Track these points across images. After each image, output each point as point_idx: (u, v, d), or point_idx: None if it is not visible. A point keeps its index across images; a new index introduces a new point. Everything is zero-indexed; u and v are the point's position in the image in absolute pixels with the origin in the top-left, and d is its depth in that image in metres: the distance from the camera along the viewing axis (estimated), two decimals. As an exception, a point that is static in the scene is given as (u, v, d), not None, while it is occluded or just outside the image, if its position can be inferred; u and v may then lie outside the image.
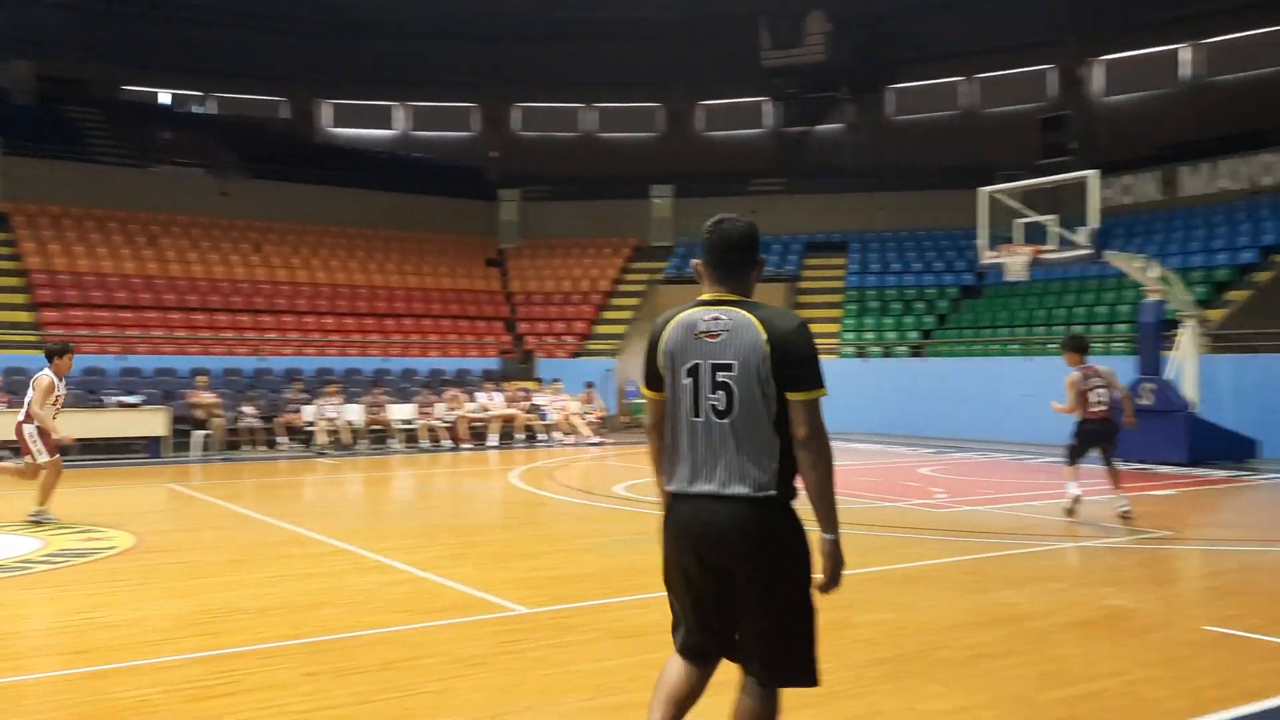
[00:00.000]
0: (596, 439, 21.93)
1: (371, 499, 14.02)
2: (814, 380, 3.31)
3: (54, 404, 10.51)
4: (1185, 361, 17.38)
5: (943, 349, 24.94)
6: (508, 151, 38.27)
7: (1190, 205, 27.52)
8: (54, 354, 10.56)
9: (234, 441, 19.72)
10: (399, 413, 21.23)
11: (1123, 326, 22.39)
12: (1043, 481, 14.50)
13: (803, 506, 3.44)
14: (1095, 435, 10.75)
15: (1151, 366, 16.90)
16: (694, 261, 3.60)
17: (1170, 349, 17.71)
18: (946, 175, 31.79)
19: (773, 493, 3.32)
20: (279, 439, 20.27)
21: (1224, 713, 4.69)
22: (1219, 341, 19.27)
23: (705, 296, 3.50)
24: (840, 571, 3.44)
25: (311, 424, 20.19)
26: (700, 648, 3.55)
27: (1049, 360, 21.95)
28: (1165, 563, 8.86)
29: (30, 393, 10.44)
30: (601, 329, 29.42)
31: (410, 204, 32.54)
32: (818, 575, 3.46)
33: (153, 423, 18.71)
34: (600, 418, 22.97)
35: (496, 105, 38.31)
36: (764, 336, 3.29)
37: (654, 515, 11.62)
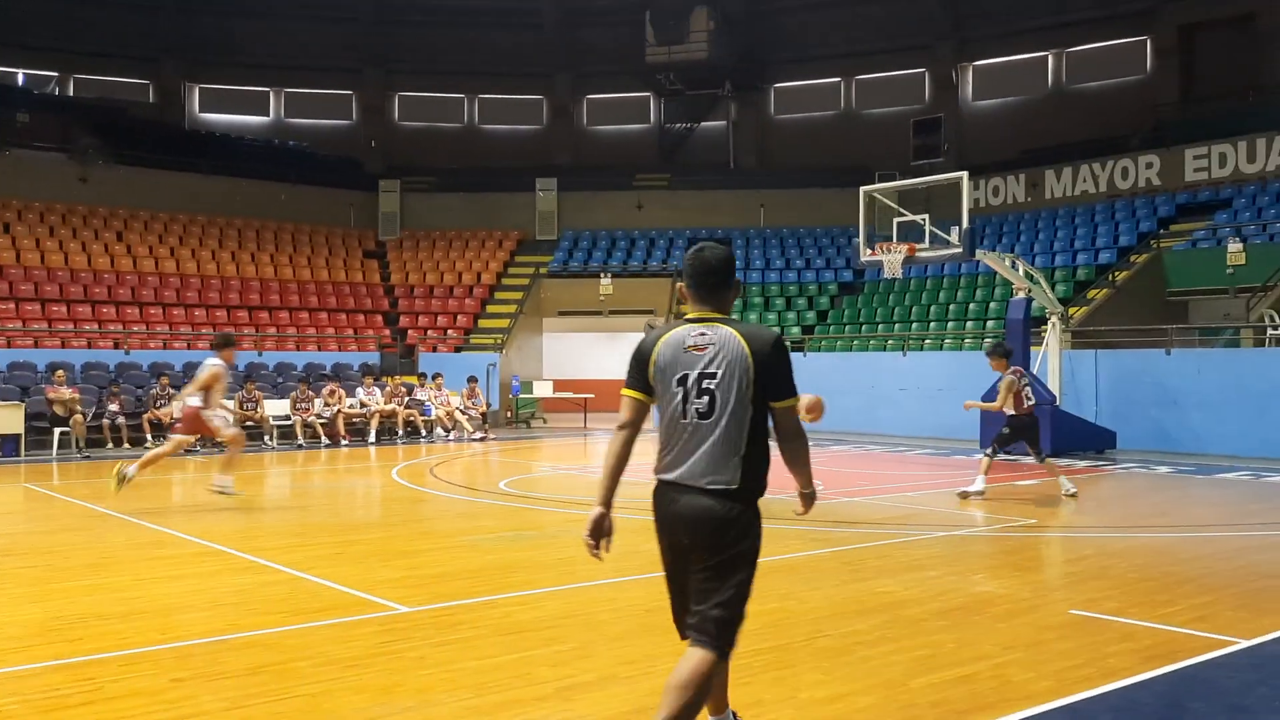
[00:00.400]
0: (480, 435, 21.72)
1: (244, 497, 13.56)
2: (791, 389, 3.84)
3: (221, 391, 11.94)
4: (1049, 357, 18.14)
5: (823, 344, 25.48)
6: (387, 141, 37.53)
7: (1054, 207, 28.74)
8: (221, 345, 12.08)
9: (97, 439, 18.86)
10: (274, 409, 20.63)
11: (992, 323, 23.24)
12: (918, 473, 14.94)
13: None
14: (1026, 429, 12.06)
15: (1019, 361, 17.53)
16: (679, 284, 4.18)
17: (1037, 344, 18.46)
18: (826, 174, 32.52)
19: (738, 487, 3.75)
20: (146, 436, 19.48)
21: (1085, 693, 4.89)
22: (1080, 338, 20.17)
23: (691, 315, 3.95)
24: (813, 502, 4.10)
25: (177, 421, 19.42)
26: (682, 623, 3.91)
27: (924, 355, 22.70)
28: (1031, 550, 9.22)
29: (199, 375, 11.73)
30: (485, 323, 29.13)
31: (285, 193, 31.63)
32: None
33: (7, 420, 17.78)
34: (483, 413, 22.75)
35: (376, 94, 37.49)
36: (747, 350, 3.77)
37: (538, 511, 11.58)
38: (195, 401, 11.66)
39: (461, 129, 38.66)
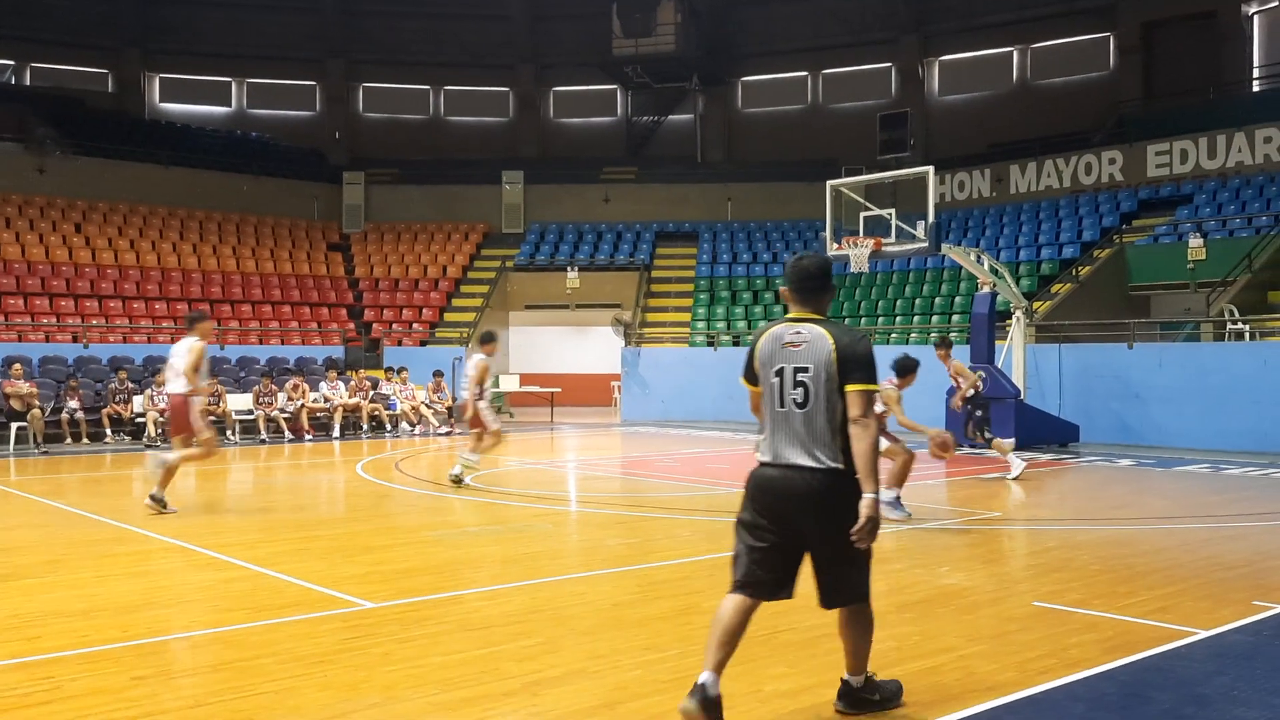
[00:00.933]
0: (446, 429, 21.61)
1: (207, 493, 13.40)
2: (866, 377, 4.27)
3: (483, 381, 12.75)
4: (1014, 350, 18.30)
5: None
6: (352, 133, 37.21)
7: (1019, 201, 29.01)
8: (484, 341, 12.94)
9: (55, 434, 18.58)
10: (236, 403, 20.40)
11: (958, 317, 23.42)
12: (883, 465, 14.99)
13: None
14: (985, 406, 13.53)
15: (984, 355, 17.70)
16: (781, 288, 4.72)
17: (1002, 339, 18.62)
18: (793, 168, 32.64)
19: (837, 465, 4.27)
20: (105, 431, 19.22)
21: (1049, 684, 4.93)
22: (1044, 332, 20.37)
23: (790, 315, 4.50)
24: (875, 523, 4.23)
25: (141, 415, 19.20)
26: (756, 583, 4.37)
27: (890, 349, 22.79)
28: (995, 542, 9.30)
29: (470, 372, 12.74)
30: (451, 316, 28.99)
31: (247, 185, 31.30)
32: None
33: (-37, 414, 17.47)
34: (449, 407, 22.62)
35: (339, 84, 37.13)
36: (832, 346, 4.28)
37: (505, 505, 11.53)
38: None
39: (427, 121, 38.40)
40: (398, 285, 30.23)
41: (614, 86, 37.68)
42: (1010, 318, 18.76)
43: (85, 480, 14.25)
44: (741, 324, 27.50)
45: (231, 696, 4.77)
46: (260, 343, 25.45)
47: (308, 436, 20.35)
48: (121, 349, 22.52)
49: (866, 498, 4.22)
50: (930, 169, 18.00)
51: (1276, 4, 29.42)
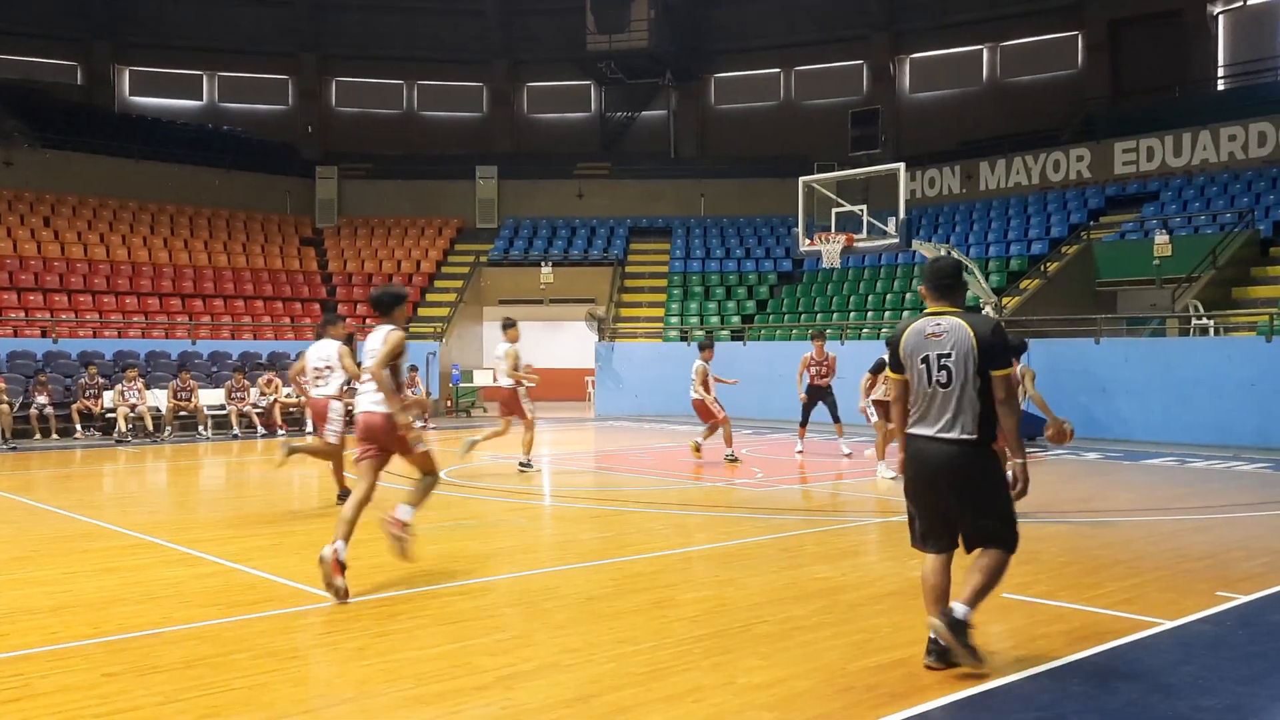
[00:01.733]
0: (420, 424, 21.53)
1: (178, 489, 13.32)
2: (1006, 362, 5.02)
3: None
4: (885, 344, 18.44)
5: (763, 333, 25.65)
6: (324, 127, 36.95)
7: (988, 198, 29.22)
8: (506, 328, 13.38)
9: (24, 430, 18.39)
10: (208, 398, 20.26)
11: (928, 312, 23.56)
12: (855, 460, 15.12)
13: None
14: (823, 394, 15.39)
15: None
16: (919, 286, 5.55)
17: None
18: (766, 164, 32.72)
19: (975, 436, 5.02)
20: (75, 427, 19.04)
21: (1017, 674, 5.01)
22: (1013, 327, 20.51)
23: (929, 310, 5.22)
24: (1028, 483, 5.20)
25: (111, 410, 19.04)
26: (934, 538, 5.20)
27: (862, 344, 22.93)
28: (965, 535, 9.38)
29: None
30: (425, 311, 28.88)
31: (219, 179, 31.02)
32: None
33: (-72, 410, 17.25)
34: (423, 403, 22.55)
35: (312, 78, 36.85)
36: (972, 335, 5.01)
37: (479, 500, 11.53)
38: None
39: (400, 115, 38.20)
40: (371, 280, 30.06)
41: (588, 82, 37.63)
42: (979, 313, 18.92)
43: (55, 476, 14.11)
44: (714, 318, 27.56)
45: (204, 692, 4.76)
46: (233, 338, 25.27)
47: (280, 432, 20.24)
48: (91, 344, 22.30)
49: (1017, 463, 5.16)
50: (901, 166, 18.12)
51: (1240, 3, 29.79)
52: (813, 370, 15.49)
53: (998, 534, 5.10)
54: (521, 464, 13.87)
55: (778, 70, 36.72)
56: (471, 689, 4.82)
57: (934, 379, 5.07)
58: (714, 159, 35.95)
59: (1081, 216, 26.20)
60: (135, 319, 24.55)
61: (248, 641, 5.58)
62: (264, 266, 29.11)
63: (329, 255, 31.19)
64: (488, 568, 7.57)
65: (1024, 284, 23.78)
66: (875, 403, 12.78)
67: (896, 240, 17.65)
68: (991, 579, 5.09)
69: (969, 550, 5.15)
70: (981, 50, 34.15)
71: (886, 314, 24.82)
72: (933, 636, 5.06)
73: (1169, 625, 5.90)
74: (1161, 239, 21.69)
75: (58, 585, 7.04)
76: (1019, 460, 5.14)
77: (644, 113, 37.65)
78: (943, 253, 19.02)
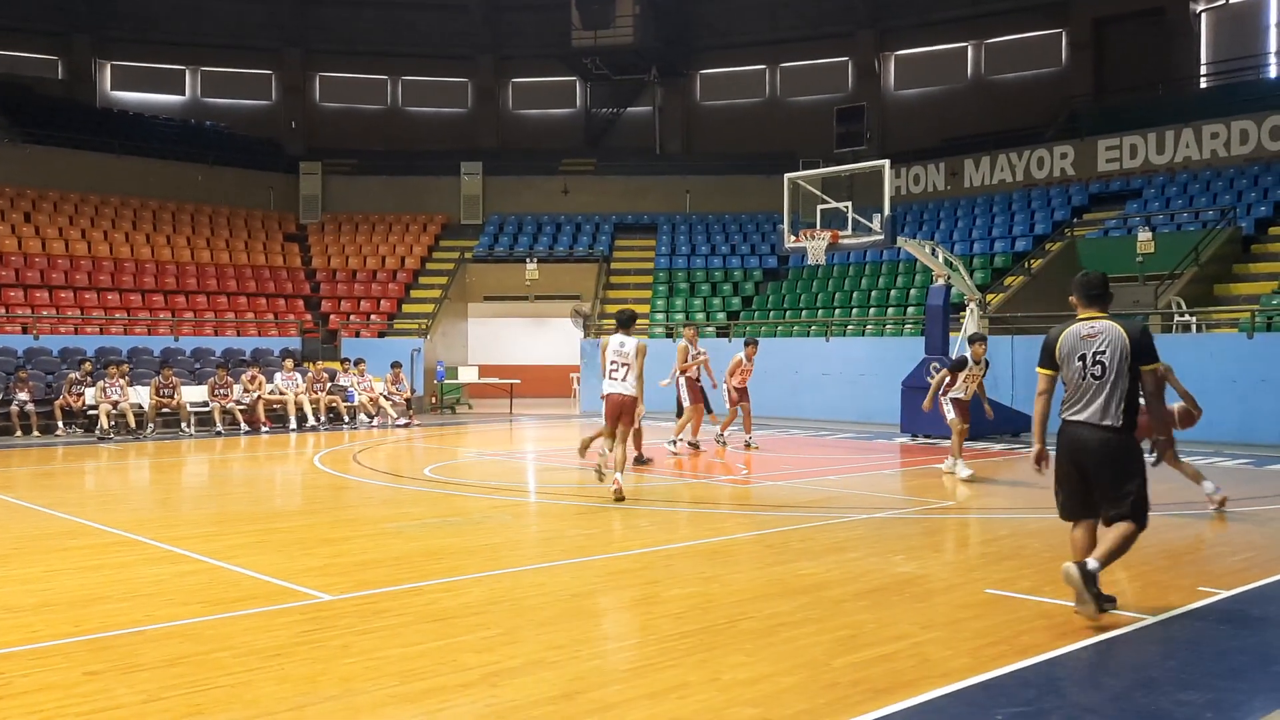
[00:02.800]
0: (404, 421, 21.49)
1: (161, 486, 13.25)
2: (1154, 359, 5.94)
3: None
4: (968, 342, 18.48)
5: (748, 330, 25.65)
6: (308, 123, 36.77)
7: (973, 195, 29.32)
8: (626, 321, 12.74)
9: (4, 427, 18.26)
10: (191, 395, 20.16)
11: (913, 309, 23.65)
12: (841, 457, 15.17)
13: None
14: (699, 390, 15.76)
15: (938, 346, 17.90)
16: (1071, 297, 6.20)
17: (956, 330, 18.83)
18: (751, 161, 32.74)
19: (1121, 424, 5.90)
20: (57, 424, 18.92)
21: (1001, 669, 5.02)
22: (997, 323, 20.62)
23: (1083, 316, 6.11)
24: (1161, 459, 6.70)
25: (93, 407, 18.92)
26: (1078, 513, 6.13)
27: (846, 341, 23.01)
28: (949, 531, 9.44)
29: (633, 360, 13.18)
30: (410, 308, 28.81)
31: (202, 175, 30.86)
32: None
33: (-93, 407, 17.11)
34: (408, 399, 22.50)
35: (296, 74, 36.67)
36: (1125, 335, 5.90)
37: (464, 497, 11.51)
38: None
39: (384, 111, 38.06)
40: (355, 276, 29.98)
41: (573, 78, 37.56)
42: (964, 309, 18.97)
43: (36, 474, 14.01)
44: (700, 314, 27.57)
45: (188, 690, 4.74)
46: (215, 334, 25.15)
47: (264, 429, 20.16)
48: (73, 340, 22.16)
49: (1159, 439, 6.46)
50: (886, 162, 18.14)
51: (1223, 1, 29.96)
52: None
53: (1133, 510, 5.91)
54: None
55: (763, 67, 36.73)
56: (457, 686, 4.81)
57: (1089, 373, 5.92)
58: (699, 155, 35.96)
59: (1065, 214, 26.32)
60: (118, 315, 24.40)
61: (231, 639, 5.56)
62: (247, 262, 28.97)
63: (313, 251, 31.06)
64: (473, 564, 7.56)
65: (1008, 281, 23.88)
66: (953, 401, 12.48)
67: (881, 237, 17.67)
68: (1122, 546, 5.91)
69: (1109, 524, 5.97)
70: (966, 48, 34.24)
71: (871, 310, 24.88)
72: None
73: (1152, 620, 5.94)
74: (1144, 236, 21.80)
75: (39, 583, 6.99)
76: (1160, 438, 6.37)
77: (629, 109, 37.62)
78: (927, 250, 19.11)
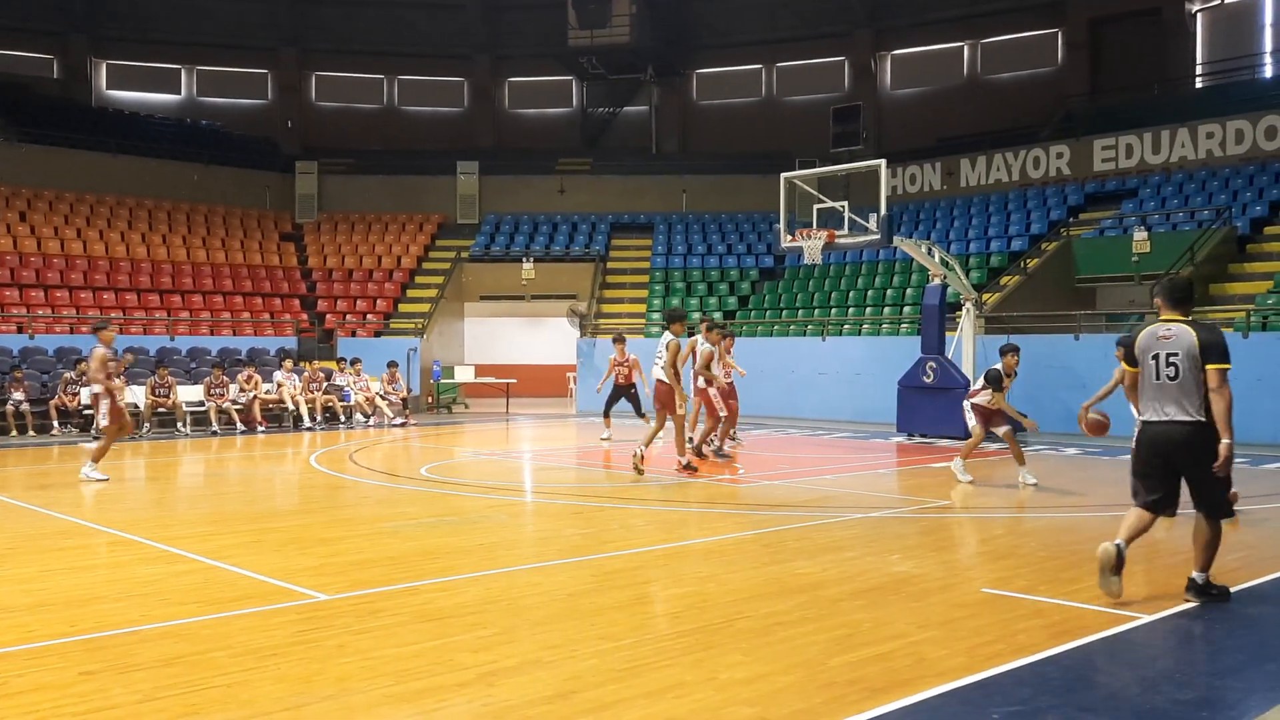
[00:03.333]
0: (400, 420, 21.48)
1: (157, 485, 13.23)
2: (1223, 358, 6.13)
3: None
4: (964, 341, 18.53)
5: (744, 329, 25.67)
6: (304, 122, 36.74)
7: (969, 195, 29.33)
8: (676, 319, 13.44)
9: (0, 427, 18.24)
10: (187, 394, 20.13)
11: (909, 308, 23.66)
12: (837, 456, 15.17)
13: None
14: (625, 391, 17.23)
15: (934, 346, 17.91)
16: (1155, 299, 6.52)
17: (952, 330, 18.85)
18: (747, 160, 32.73)
19: (1201, 419, 6.16)
20: (52, 424, 18.88)
21: (997, 668, 5.03)
22: (993, 323, 20.64)
23: (1163, 317, 6.40)
24: (1229, 459, 6.14)
25: (89, 407, 18.87)
26: (1154, 506, 6.39)
27: (842, 340, 23.03)
28: (945, 530, 9.44)
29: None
30: (406, 307, 28.79)
31: (198, 174, 30.81)
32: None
33: (-98, 407, 17.07)
34: (404, 399, 22.49)
35: (292, 73, 36.63)
36: (1196, 339, 6.17)
37: (460, 496, 11.51)
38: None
39: (381, 110, 38.03)
40: (351, 276, 29.95)
41: (569, 77, 37.55)
42: (960, 309, 18.98)
43: (31, 473, 14.00)
44: (695, 315, 27.55)
45: (183, 690, 4.73)
46: (212, 333, 25.12)
47: (260, 428, 20.14)
48: (68, 340, 22.12)
49: (1224, 443, 6.11)
50: (882, 162, 18.15)
51: (1218, 2, 30.00)
52: (619, 371, 17.57)
53: (1216, 502, 6.27)
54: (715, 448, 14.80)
55: (760, 66, 36.73)
56: (453, 686, 4.81)
57: (1162, 373, 6.25)
58: (696, 155, 35.95)
59: (1061, 213, 26.34)
60: (113, 314, 24.34)
61: (227, 639, 5.55)
62: (243, 262, 28.93)
63: (309, 251, 31.02)
64: (469, 564, 7.55)
65: (1004, 280, 23.89)
66: (974, 407, 12.17)
67: (878, 236, 17.69)
68: (1215, 545, 6.29)
69: (1157, 514, 6.40)
70: (962, 47, 34.27)
71: (867, 310, 24.89)
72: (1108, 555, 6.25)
73: (1146, 619, 5.95)
74: (1140, 236, 21.82)
75: (35, 583, 6.98)
76: (1226, 440, 6.14)
77: (626, 108, 37.60)
78: (923, 249, 19.13)
